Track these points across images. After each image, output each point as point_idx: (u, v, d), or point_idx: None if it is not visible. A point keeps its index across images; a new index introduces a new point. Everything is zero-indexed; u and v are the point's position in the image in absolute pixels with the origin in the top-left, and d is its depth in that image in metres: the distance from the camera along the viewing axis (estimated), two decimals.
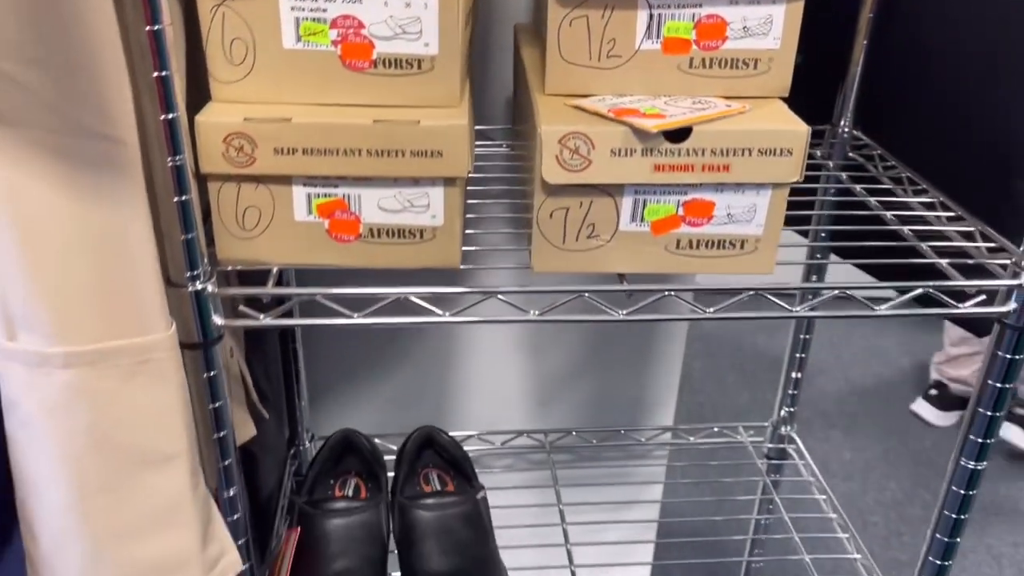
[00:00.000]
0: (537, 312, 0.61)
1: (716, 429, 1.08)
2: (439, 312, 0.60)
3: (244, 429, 0.74)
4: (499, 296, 0.60)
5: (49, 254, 0.45)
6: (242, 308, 0.59)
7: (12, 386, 0.48)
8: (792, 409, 1.06)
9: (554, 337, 1.06)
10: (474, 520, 0.83)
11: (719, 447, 1.08)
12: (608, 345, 1.07)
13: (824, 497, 0.98)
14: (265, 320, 0.59)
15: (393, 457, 0.93)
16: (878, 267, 0.64)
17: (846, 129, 0.88)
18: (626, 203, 0.58)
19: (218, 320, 0.58)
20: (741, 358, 2.19)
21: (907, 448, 1.89)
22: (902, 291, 0.62)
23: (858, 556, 0.90)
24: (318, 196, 0.58)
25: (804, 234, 0.96)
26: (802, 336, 1.01)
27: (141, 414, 0.50)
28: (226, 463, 0.63)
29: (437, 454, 0.94)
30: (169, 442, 0.52)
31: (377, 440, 1.01)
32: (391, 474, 0.91)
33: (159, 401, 0.51)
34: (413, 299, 0.59)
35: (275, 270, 0.61)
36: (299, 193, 0.58)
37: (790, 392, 1.04)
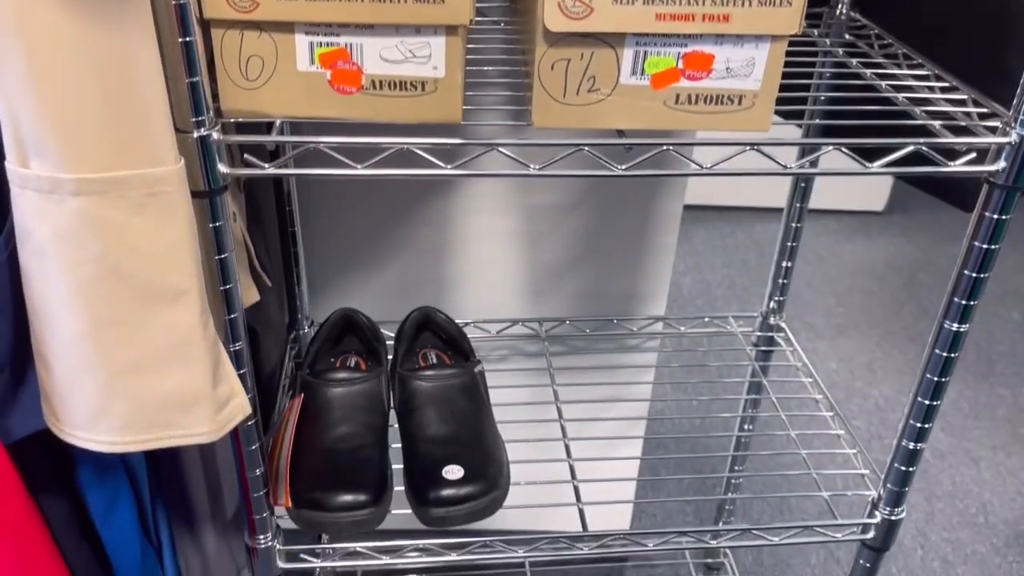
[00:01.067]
0: (537, 167, 0.62)
1: (707, 320, 1.10)
2: (441, 164, 0.61)
3: (248, 293, 0.75)
4: (499, 149, 0.61)
5: (57, 77, 0.45)
6: (247, 157, 0.60)
7: (26, 214, 0.49)
8: (781, 298, 1.08)
9: (550, 228, 1.07)
10: (471, 391, 0.85)
11: (709, 335, 1.10)
12: (602, 237, 1.08)
13: (810, 380, 1.01)
14: (269, 169, 0.59)
15: (392, 342, 0.95)
16: (872, 139, 0.65)
17: (844, 11, 0.88)
18: (627, 55, 0.59)
19: (223, 168, 0.58)
20: (731, 274, 2.22)
21: (891, 359, 1.93)
22: (894, 149, 0.63)
23: (841, 432, 0.93)
24: (320, 45, 0.58)
25: (798, 121, 0.97)
26: (793, 224, 1.02)
27: (151, 247, 0.51)
28: (232, 316, 0.65)
29: (435, 334, 0.96)
30: (179, 277, 0.53)
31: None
32: (390, 357, 0.93)
33: (168, 235, 0.52)
34: (415, 150, 0.60)
35: (277, 123, 0.61)
36: (301, 42, 0.58)
37: (780, 281, 1.06)
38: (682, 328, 1.10)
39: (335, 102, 0.60)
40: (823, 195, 2.45)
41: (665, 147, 0.62)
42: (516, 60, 0.72)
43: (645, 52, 0.59)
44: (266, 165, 0.59)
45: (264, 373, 0.93)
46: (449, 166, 0.61)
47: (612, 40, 0.58)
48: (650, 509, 1.48)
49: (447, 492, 0.75)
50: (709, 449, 1.52)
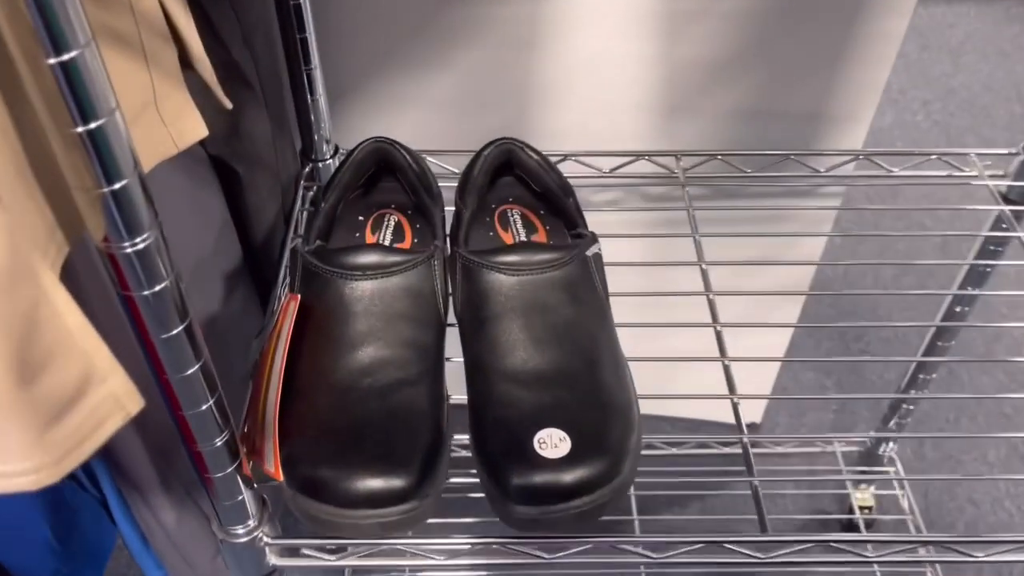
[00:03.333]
0: None
1: (934, 157, 0.72)
2: None
3: (184, 122, 0.40)
4: None
5: None
6: None
7: None
8: None
9: (699, 5, 0.68)
10: (583, 288, 0.51)
11: (931, 184, 0.72)
12: (782, 21, 0.68)
13: None
14: None
15: (453, 187, 0.60)
16: None
17: None
18: None
19: None
20: (932, 103, 1.74)
21: None
22: None
23: None
24: None
25: None
26: None
27: None
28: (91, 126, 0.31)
29: (521, 182, 0.61)
30: None
31: (430, 160, 0.69)
32: (450, 210, 0.59)
33: None
34: None
35: None
36: None
37: None
38: (895, 170, 0.72)
39: None
40: None
41: None
42: None
43: None
44: None
45: (256, 235, 0.60)
46: None
47: None
48: (788, 393, 1.17)
49: (543, 479, 0.44)
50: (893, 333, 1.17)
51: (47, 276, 0.26)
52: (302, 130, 0.67)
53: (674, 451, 1.01)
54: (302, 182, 0.69)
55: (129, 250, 0.33)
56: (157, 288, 0.34)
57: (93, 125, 0.29)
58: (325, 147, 0.69)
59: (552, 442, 0.45)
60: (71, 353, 0.27)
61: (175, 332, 0.36)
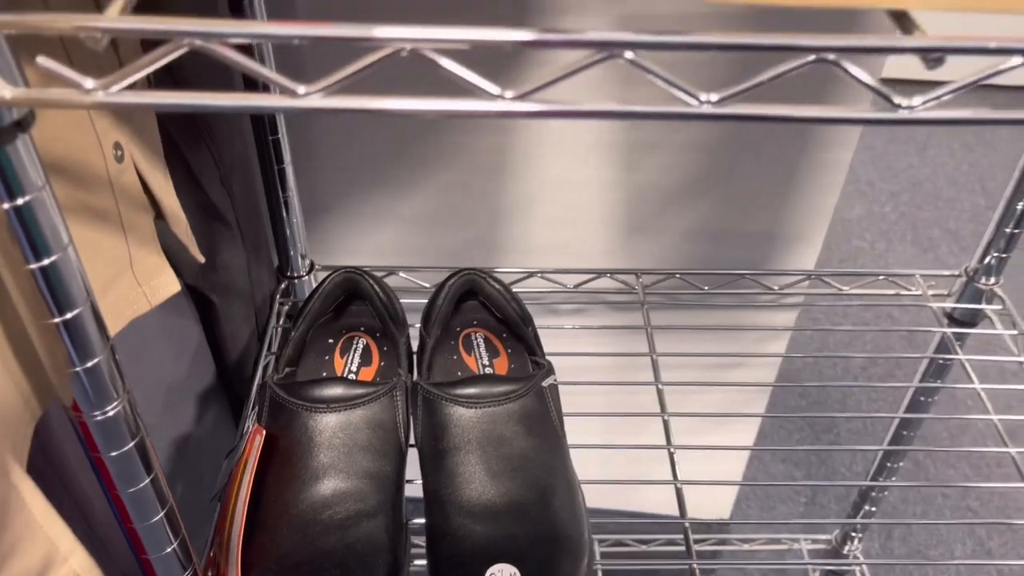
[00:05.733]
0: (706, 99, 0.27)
1: (881, 278, 0.76)
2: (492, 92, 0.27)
3: (157, 279, 0.43)
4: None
5: None
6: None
7: None
8: (1003, 255, 0.72)
9: (659, 134, 0.72)
10: (538, 419, 0.54)
11: (878, 305, 0.76)
12: (736, 147, 0.73)
13: None
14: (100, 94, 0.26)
15: (423, 303, 0.63)
16: None
17: None
18: None
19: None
20: (902, 203, 1.81)
21: None
22: None
23: None
24: None
25: None
26: None
27: None
28: (88, 365, 0.34)
29: (484, 307, 0.64)
30: None
31: (403, 275, 0.72)
32: (415, 345, 0.62)
33: None
34: (427, 53, 0.26)
35: None
36: None
37: (1008, 230, 0.70)
38: (845, 289, 0.75)
39: None
40: None
41: None
42: None
43: None
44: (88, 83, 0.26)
45: (229, 360, 0.63)
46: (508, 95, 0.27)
47: None
48: (753, 489, 1.19)
49: None
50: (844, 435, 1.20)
51: (16, 471, 0.29)
52: (279, 249, 0.71)
53: (644, 548, 1.03)
54: (278, 298, 0.72)
55: (99, 418, 0.36)
56: (124, 449, 0.37)
57: (69, 315, 0.32)
58: (300, 264, 0.72)
59: None
60: (36, 539, 0.30)
61: (140, 486, 0.39)
